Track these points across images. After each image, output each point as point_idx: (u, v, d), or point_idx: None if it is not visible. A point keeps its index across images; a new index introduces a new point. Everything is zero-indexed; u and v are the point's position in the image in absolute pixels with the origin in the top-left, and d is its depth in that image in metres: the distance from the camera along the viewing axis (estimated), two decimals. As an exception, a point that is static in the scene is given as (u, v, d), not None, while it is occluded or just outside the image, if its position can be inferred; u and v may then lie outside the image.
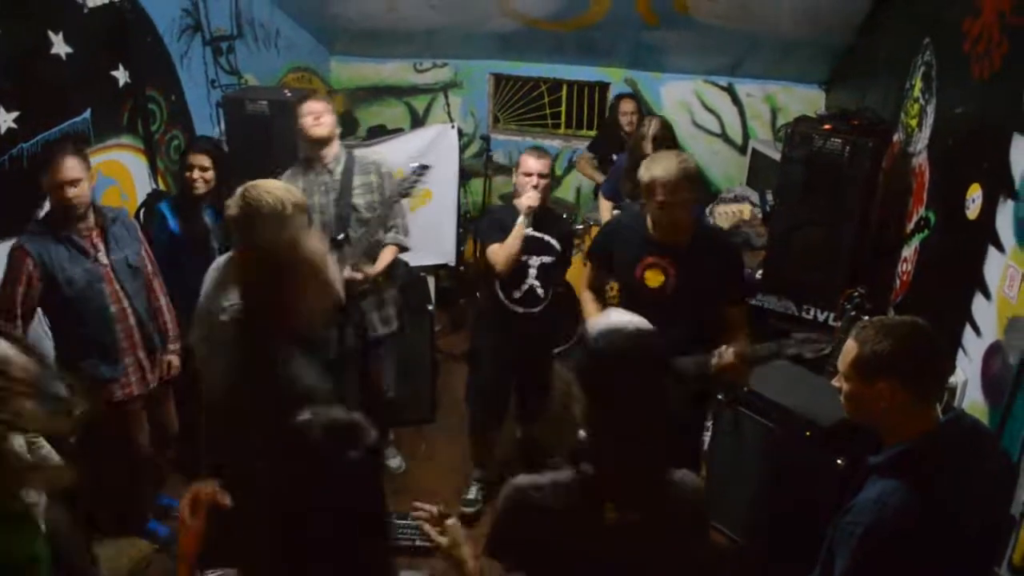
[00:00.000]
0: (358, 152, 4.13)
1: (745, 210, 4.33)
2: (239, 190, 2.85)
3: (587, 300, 3.71)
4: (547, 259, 4.08)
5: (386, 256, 4.06)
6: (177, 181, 4.33)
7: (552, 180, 4.14)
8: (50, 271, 3.36)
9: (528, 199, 3.93)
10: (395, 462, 4.63)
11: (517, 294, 4.10)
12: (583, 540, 1.87)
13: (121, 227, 3.64)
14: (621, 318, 1.96)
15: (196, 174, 4.07)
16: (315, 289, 2.34)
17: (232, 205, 2.82)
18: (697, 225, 3.49)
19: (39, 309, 3.49)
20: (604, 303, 3.70)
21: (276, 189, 2.84)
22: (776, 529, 3.46)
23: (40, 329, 3.62)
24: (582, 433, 1.93)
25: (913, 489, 1.90)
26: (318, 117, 3.91)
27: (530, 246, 4.03)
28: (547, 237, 4.07)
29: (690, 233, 3.37)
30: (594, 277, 3.73)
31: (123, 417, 3.69)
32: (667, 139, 4.46)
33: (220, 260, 3.16)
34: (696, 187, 3.32)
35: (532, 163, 3.98)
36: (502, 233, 4.01)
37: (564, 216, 4.39)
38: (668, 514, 1.91)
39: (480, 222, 4.66)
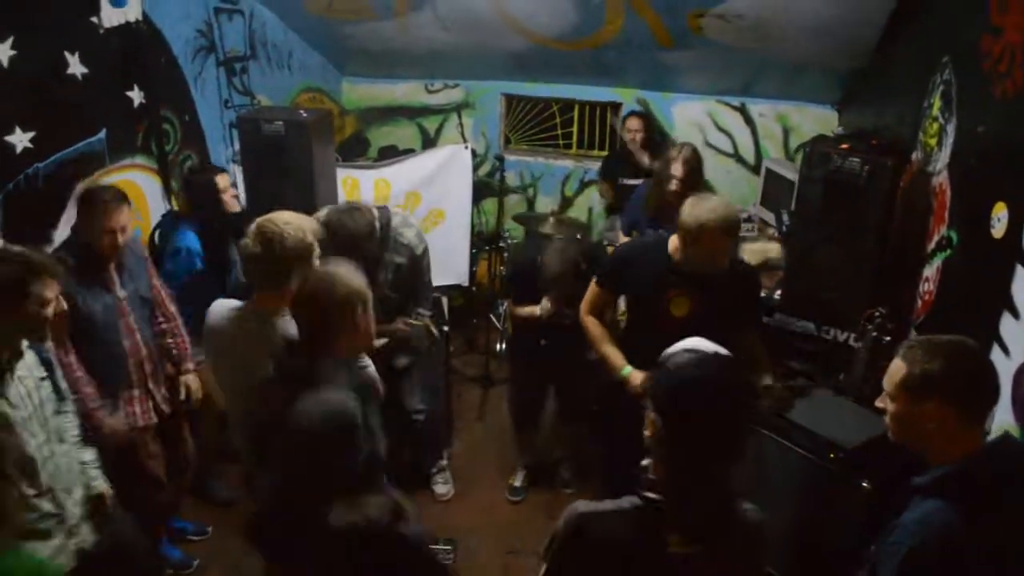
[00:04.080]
0: (396, 222, 4.04)
1: (773, 249, 4.31)
2: (255, 226, 2.81)
3: (597, 333, 3.67)
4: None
5: (398, 327, 4.06)
6: (201, 209, 4.29)
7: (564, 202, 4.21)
8: (73, 304, 3.28)
9: (547, 306, 4.21)
10: (443, 488, 4.65)
11: (542, 342, 4.26)
12: (644, 572, 1.83)
13: (131, 256, 3.61)
14: (702, 344, 1.91)
15: (230, 195, 4.22)
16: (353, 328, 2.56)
17: (253, 242, 2.78)
18: None
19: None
20: (607, 328, 3.73)
21: (293, 219, 2.83)
22: (801, 554, 3.41)
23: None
24: (647, 461, 1.89)
25: (958, 510, 1.86)
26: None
27: None
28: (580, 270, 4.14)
29: None
30: (599, 302, 3.69)
31: (131, 447, 3.64)
32: (696, 165, 4.46)
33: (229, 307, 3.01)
34: (738, 232, 3.31)
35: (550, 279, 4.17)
36: (522, 295, 4.37)
37: (580, 236, 4.43)
38: (731, 548, 1.87)
39: (507, 270, 4.82)
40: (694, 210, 3.21)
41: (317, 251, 2.83)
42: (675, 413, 1.82)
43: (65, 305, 2.70)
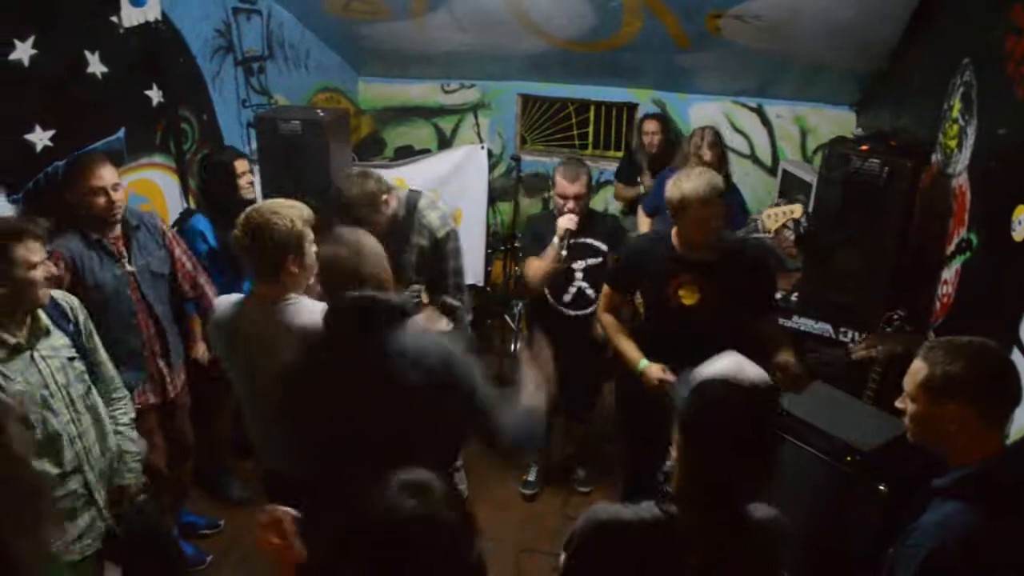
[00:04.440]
0: (422, 204, 3.96)
1: (797, 209, 4.25)
2: (243, 217, 2.78)
3: (613, 329, 3.66)
4: (593, 261, 4.12)
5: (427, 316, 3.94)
6: (216, 192, 4.32)
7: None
8: (81, 275, 3.37)
9: (566, 222, 3.94)
10: (458, 487, 4.65)
11: (567, 298, 4.23)
12: None
13: (145, 233, 3.66)
14: (736, 366, 1.86)
15: (247, 179, 4.21)
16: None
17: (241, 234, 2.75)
18: (723, 239, 3.47)
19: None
20: (624, 323, 3.73)
21: (281, 208, 2.78)
22: (818, 557, 3.39)
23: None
24: (670, 462, 1.89)
25: (978, 512, 1.85)
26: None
27: (575, 252, 4.06)
28: (591, 240, 4.10)
29: (718, 248, 3.37)
30: (614, 302, 3.71)
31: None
32: (722, 148, 4.46)
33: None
34: (723, 202, 3.31)
35: (567, 187, 4.00)
36: (540, 245, 4.09)
37: (601, 215, 4.37)
38: (747, 555, 1.88)
39: (524, 232, 4.70)
40: (676, 184, 3.27)
41: (310, 237, 2.76)
42: (698, 442, 1.82)
43: (55, 269, 2.71)
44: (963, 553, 1.82)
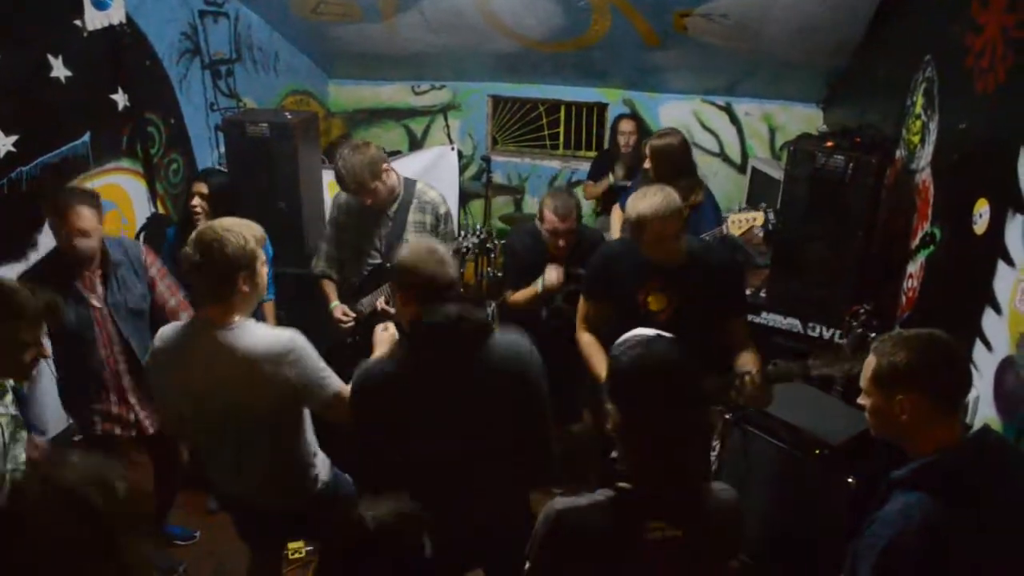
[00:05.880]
0: (419, 186, 4.03)
1: (759, 217, 4.26)
2: (195, 234, 2.61)
3: (590, 350, 3.57)
4: (573, 286, 4.08)
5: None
6: (179, 208, 4.27)
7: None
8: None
9: (554, 278, 4.02)
10: None
11: (544, 313, 4.20)
12: (625, 559, 1.87)
13: (128, 270, 3.47)
14: (643, 333, 2.02)
15: (196, 201, 3.96)
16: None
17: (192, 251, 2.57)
18: (689, 242, 3.42)
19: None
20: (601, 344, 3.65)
21: (234, 225, 2.64)
22: (787, 550, 3.42)
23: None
24: (615, 453, 1.92)
25: (937, 502, 1.86)
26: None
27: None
28: (573, 269, 4.08)
29: (683, 252, 3.34)
30: (590, 314, 3.62)
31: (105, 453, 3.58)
32: (666, 150, 4.40)
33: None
34: (676, 220, 3.25)
35: (558, 223, 3.97)
36: (522, 274, 4.17)
37: (588, 236, 4.35)
38: (706, 530, 1.91)
39: (505, 252, 4.67)
40: (633, 203, 3.25)
41: (262, 258, 2.66)
42: (626, 399, 1.89)
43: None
44: (922, 543, 1.84)
